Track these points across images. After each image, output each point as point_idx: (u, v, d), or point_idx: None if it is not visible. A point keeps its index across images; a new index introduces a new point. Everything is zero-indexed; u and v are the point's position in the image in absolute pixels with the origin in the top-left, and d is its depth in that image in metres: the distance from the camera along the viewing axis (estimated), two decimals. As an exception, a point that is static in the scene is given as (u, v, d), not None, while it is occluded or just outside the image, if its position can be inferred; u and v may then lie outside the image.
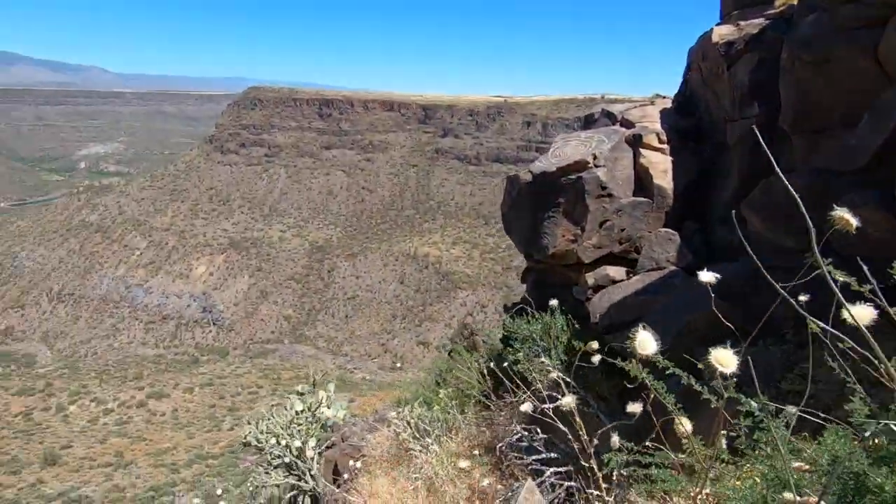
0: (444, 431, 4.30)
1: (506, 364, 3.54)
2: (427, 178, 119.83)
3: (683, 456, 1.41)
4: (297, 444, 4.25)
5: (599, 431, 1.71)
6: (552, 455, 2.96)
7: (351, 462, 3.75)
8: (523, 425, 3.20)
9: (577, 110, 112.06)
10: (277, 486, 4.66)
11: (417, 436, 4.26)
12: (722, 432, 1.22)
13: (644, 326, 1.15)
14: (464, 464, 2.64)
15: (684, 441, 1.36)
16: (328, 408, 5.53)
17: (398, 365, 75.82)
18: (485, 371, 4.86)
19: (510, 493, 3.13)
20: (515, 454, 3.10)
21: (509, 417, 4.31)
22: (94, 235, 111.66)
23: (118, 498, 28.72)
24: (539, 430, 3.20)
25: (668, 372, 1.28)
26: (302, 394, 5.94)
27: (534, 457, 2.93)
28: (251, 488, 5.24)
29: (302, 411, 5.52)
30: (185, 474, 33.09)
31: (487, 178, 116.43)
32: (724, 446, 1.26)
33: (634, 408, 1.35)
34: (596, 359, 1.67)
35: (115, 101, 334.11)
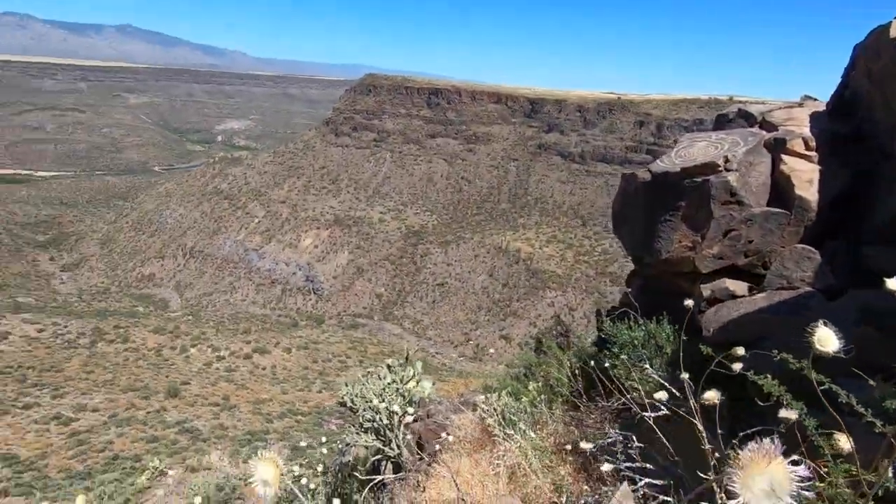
0: (530, 424, 4.28)
1: (607, 365, 3.43)
2: (527, 172, 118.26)
3: (823, 484, 1.27)
4: (396, 408, 4.49)
5: (741, 437, 1.59)
6: (647, 466, 2.83)
7: (444, 434, 3.88)
8: (617, 430, 3.09)
9: (700, 112, 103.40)
10: (366, 447, 4.96)
11: (503, 424, 4.29)
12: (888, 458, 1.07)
13: (825, 323, 1.02)
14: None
15: (827, 465, 1.22)
16: (416, 383, 5.74)
17: (491, 351, 76.36)
18: (576, 371, 4.75)
19: (598, 496, 3.05)
20: (607, 458, 3.01)
21: (600, 420, 4.18)
22: (223, 201, 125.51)
23: (221, 435, 32.40)
24: (635, 438, 3.07)
25: (822, 387, 1.16)
26: (391, 367, 6.22)
27: (627, 464, 2.83)
28: (341, 445, 5.64)
29: (391, 383, 5.80)
30: (277, 425, 36.40)
31: (590, 178, 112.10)
32: (892, 476, 1.11)
33: (788, 414, 1.22)
34: (737, 366, 1.55)
35: (250, 83, 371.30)
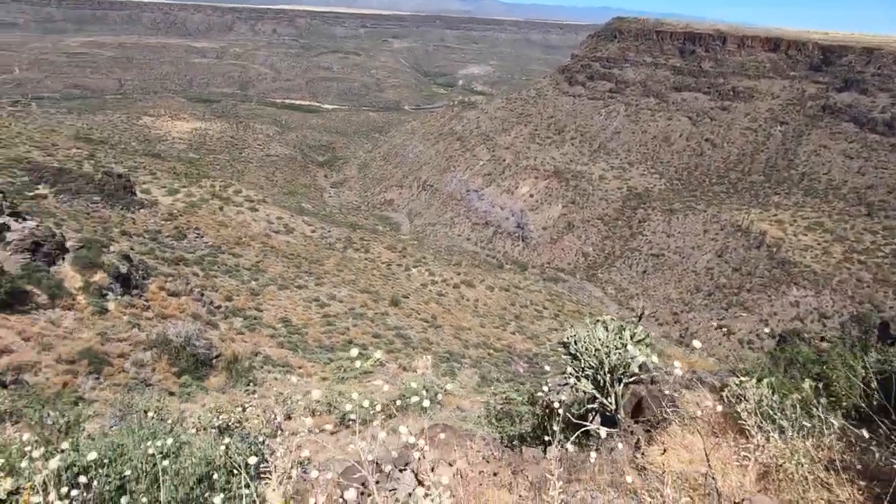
0: (796, 427, 3.58)
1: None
2: (797, 140, 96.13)
3: None
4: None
5: None
6: None
7: (707, 403, 3.53)
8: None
9: None
10: (584, 392, 4.90)
11: (758, 416, 3.69)
12: None
13: None
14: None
15: None
16: (646, 346, 5.36)
17: (693, 344, 68.90)
18: (872, 383, 3.74)
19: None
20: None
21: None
22: (455, 142, 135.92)
23: (427, 347, 37.09)
24: None
25: None
26: (621, 323, 5.91)
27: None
28: (554, 385, 5.72)
29: (612, 340, 5.53)
30: (472, 352, 39.79)
31: (895, 156, 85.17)
32: None
33: None
34: None
35: (495, 29, 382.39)
